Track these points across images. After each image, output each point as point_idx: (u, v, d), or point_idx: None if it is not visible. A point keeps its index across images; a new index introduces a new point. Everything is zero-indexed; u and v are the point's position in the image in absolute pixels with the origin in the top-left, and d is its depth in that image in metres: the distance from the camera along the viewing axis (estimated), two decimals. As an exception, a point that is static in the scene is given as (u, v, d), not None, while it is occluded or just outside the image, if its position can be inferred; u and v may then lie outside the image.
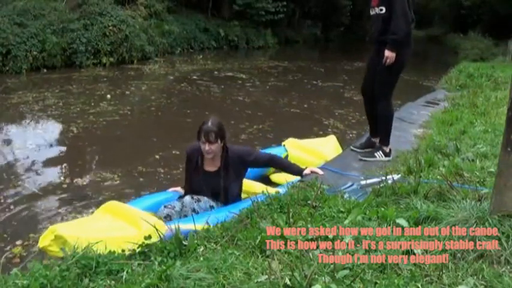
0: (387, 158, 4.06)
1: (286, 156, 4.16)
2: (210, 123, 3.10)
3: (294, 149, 4.31)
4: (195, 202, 3.10)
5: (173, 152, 5.56)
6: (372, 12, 3.87)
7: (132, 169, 4.97)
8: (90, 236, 2.29)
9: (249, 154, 3.34)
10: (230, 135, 6.36)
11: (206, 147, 3.09)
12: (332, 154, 4.30)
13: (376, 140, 4.24)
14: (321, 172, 3.51)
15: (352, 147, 4.37)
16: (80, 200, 4.18)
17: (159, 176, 4.80)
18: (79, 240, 2.20)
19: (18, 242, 3.38)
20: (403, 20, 3.66)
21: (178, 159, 5.05)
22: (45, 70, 10.90)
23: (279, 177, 3.89)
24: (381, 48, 3.80)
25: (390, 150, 4.13)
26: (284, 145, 4.39)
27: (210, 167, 3.24)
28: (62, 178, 4.67)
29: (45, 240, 2.49)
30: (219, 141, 3.12)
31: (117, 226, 2.60)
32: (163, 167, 5.02)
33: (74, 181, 4.61)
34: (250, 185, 3.52)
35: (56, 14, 11.70)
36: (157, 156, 5.41)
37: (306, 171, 3.45)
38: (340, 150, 4.50)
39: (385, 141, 4.11)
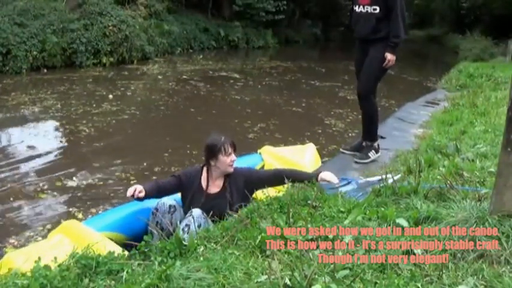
0: (378, 154, 4.05)
1: (263, 166, 3.88)
2: (223, 137, 3.03)
3: (271, 158, 3.98)
4: (204, 219, 2.80)
5: (188, 151, 5.59)
6: (360, 10, 3.78)
7: (146, 168, 5.01)
8: None
9: (250, 174, 3.14)
10: (237, 134, 6.49)
11: (233, 156, 3.02)
12: (310, 165, 3.93)
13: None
14: (336, 180, 3.11)
15: (341, 149, 4.30)
16: (94, 200, 4.20)
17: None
18: None
19: (12, 241, 3.44)
20: (403, 22, 3.66)
21: (193, 158, 5.08)
22: (45, 70, 10.91)
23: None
24: (368, 46, 3.77)
25: (378, 145, 4.13)
26: (260, 153, 4.09)
27: (213, 188, 3.07)
28: (77, 180, 4.67)
29: None
30: None
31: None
32: (177, 166, 5.03)
33: (90, 181, 4.65)
34: None
35: (56, 14, 11.70)
36: (168, 155, 5.44)
37: (323, 176, 3.11)
38: (319, 160, 4.21)
39: (375, 137, 4.11)
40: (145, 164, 5.09)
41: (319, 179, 3.08)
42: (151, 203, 2.98)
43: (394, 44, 3.67)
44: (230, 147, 3.01)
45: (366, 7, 3.74)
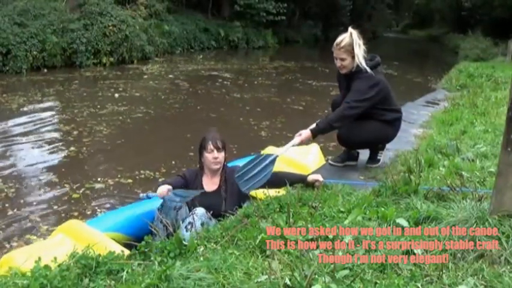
0: (383, 151, 3.96)
1: None
2: (212, 133, 3.08)
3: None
4: (208, 218, 2.82)
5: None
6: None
7: (174, 166, 5.03)
8: None
9: None
10: (249, 132, 6.48)
11: (215, 154, 3.01)
12: (314, 165, 3.93)
13: (355, 151, 4.01)
14: (321, 179, 3.22)
15: (331, 162, 4.04)
16: (124, 199, 4.20)
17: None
18: None
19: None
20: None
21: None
22: (45, 70, 10.92)
23: None
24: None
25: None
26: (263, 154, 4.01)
27: (209, 186, 3.10)
28: (104, 181, 4.68)
29: None
30: (224, 152, 3.07)
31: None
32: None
33: (116, 180, 4.68)
34: None
35: (56, 14, 11.72)
36: (193, 154, 5.38)
37: (310, 179, 3.22)
38: (323, 160, 4.17)
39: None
40: (173, 162, 5.08)
41: (309, 179, 3.20)
42: (155, 204, 3.00)
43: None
44: (213, 144, 3.02)
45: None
